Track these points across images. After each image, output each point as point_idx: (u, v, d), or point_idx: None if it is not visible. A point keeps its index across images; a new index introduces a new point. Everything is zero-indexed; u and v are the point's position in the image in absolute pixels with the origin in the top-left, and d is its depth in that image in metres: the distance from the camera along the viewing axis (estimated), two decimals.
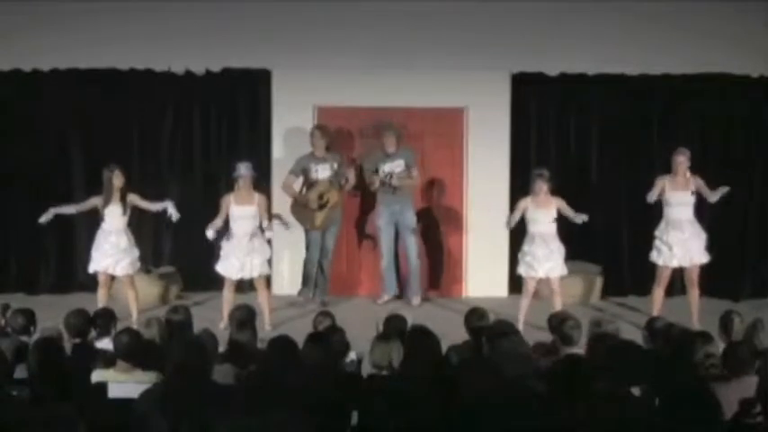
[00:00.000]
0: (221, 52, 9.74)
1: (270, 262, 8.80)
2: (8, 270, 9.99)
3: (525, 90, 9.91)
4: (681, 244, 8.38)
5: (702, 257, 8.51)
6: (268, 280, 9.02)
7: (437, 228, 10.04)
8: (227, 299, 8.50)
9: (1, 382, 4.85)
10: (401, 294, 9.69)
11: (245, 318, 6.31)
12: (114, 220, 8.53)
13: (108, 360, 5.52)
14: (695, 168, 9.89)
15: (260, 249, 8.59)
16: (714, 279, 9.95)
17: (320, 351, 5.30)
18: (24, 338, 6.13)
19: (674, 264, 8.47)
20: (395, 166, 9.37)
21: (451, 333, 6.38)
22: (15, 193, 9.88)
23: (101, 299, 8.49)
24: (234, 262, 8.52)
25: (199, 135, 10.10)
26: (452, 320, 7.80)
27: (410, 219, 9.51)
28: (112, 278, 8.69)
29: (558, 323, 6.03)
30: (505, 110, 9.86)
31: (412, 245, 9.54)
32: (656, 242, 8.49)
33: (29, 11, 9.47)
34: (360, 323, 7.11)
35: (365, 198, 9.90)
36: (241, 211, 8.53)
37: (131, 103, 9.97)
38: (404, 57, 9.59)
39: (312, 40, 9.56)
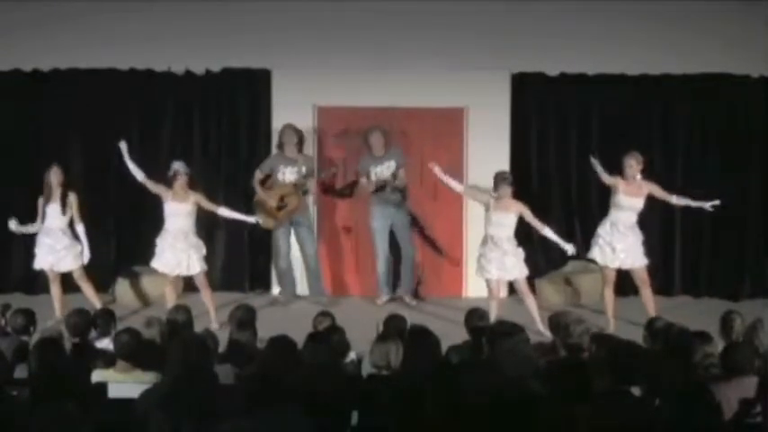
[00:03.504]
0: (221, 52, 9.74)
1: (204, 258, 8.76)
2: (8, 270, 9.99)
3: (525, 90, 9.91)
4: (623, 246, 8.39)
5: (643, 260, 8.53)
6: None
7: (437, 228, 10.04)
8: (170, 298, 8.42)
9: (1, 382, 4.86)
10: (396, 295, 9.69)
11: (245, 318, 6.32)
12: (53, 218, 8.60)
13: (108, 360, 5.53)
14: (696, 169, 9.94)
15: (196, 246, 8.62)
16: (714, 279, 9.98)
17: (320, 351, 5.30)
18: (24, 338, 6.14)
19: (616, 265, 8.49)
20: (385, 168, 9.38)
21: (451, 333, 6.38)
22: (15, 193, 9.87)
23: (55, 296, 8.63)
24: (169, 258, 8.54)
25: (199, 135, 10.10)
26: (452, 320, 7.81)
27: (405, 220, 9.54)
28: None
29: (558, 324, 6.03)
30: (505, 110, 9.86)
31: (407, 246, 9.55)
32: (599, 240, 8.50)
33: (29, 11, 9.47)
34: (360, 323, 7.10)
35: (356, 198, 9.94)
36: (177, 208, 8.54)
37: (131, 103, 9.97)
38: (404, 57, 9.59)
39: (312, 40, 9.56)
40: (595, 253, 8.55)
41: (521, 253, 8.51)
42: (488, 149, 9.81)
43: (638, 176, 8.43)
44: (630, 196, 8.40)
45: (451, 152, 9.91)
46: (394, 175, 9.36)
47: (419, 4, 9.46)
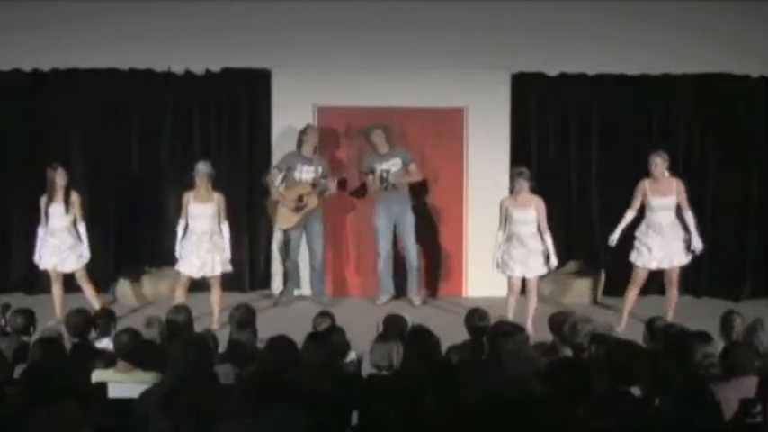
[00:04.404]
0: (221, 52, 9.73)
1: (230, 260, 8.77)
2: (8, 270, 9.99)
3: (525, 90, 9.91)
4: (660, 247, 8.37)
5: (683, 259, 8.48)
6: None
7: (437, 227, 10.04)
8: (180, 297, 8.41)
9: (1, 382, 4.86)
10: (398, 295, 9.68)
11: (245, 318, 6.32)
12: (57, 219, 8.58)
13: (108, 360, 5.53)
14: (696, 169, 9.93)
15: (220, 247, 8.62)
16: (714, 279, 9.97)
17: (320, 351, 5.30)
18: (24, 338, 6.15)
19: (654, 266, 8.46)
20: (391, 165, 9.39)
21: (451, 333, 6.38)
22: (15, 193, 9.88)
23: (56, 296, 8.63)
24: (194, 260, 8.54)
25: (199, 135, 10.09)
26: (452, 320, 7.81)
27: (410, 220, 9.52)
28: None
29: (561, 322, 6.03)
30: (505, 110, 9.85)
31: (412, 246, 9.55)
32: (636, 243, 8.48)
33: (29, 11, 9.47)
34: (360, 323, 7.11)
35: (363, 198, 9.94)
36: (200, 209, 8.55)
37: (131, 103, 9.97)
38: (404, 57, 9.58)
39: (312, 40, 9.56)
40: (633, 256, 8.50)
41: (544, 249, 8.49)
42: (488, 149, 9.81)
43: (666, 174, 8.39)
44: (659, 196, 8.36)
45: (451, 152, 9.92)
46: (385, 173, 9.35)
47: (419, 3, 9.46)
